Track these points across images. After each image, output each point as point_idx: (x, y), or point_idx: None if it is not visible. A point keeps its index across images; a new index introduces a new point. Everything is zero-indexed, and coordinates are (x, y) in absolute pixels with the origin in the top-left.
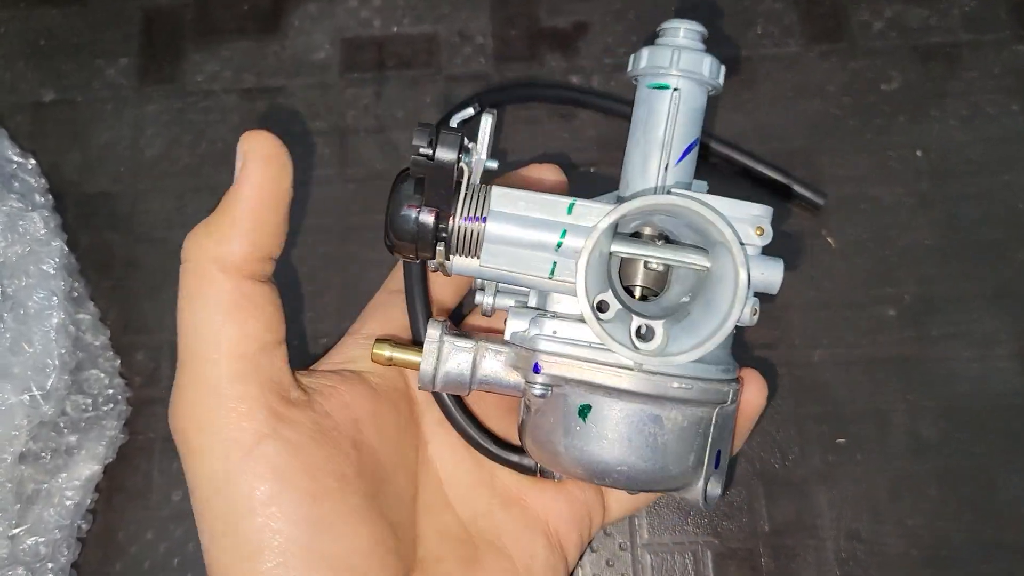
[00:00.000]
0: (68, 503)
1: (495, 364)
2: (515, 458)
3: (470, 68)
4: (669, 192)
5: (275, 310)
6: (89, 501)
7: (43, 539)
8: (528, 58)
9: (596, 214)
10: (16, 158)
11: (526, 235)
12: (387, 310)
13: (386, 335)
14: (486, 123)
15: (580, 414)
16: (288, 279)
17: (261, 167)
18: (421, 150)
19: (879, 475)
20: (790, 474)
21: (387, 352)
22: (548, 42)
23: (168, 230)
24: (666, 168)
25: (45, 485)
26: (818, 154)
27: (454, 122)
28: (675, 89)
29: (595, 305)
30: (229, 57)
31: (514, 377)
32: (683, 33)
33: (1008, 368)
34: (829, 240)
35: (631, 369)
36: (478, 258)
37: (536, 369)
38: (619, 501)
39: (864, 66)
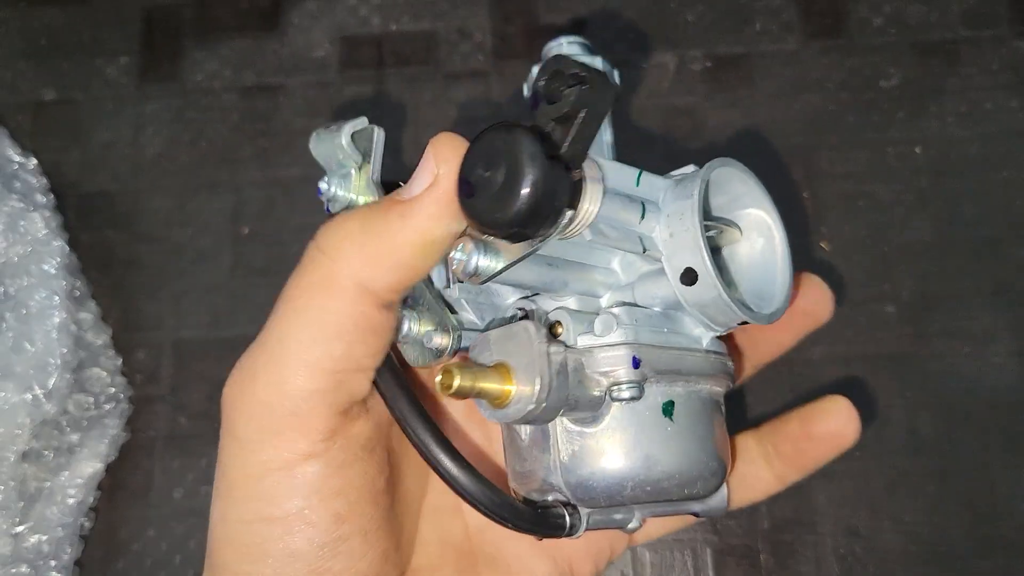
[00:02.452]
0: (70, 501)
1: (578, 375)
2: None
3: (469, 65)
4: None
5: (388, 338)
6: (91, 499)
7: (46, 537)
8: (527, 56)
9: (663, 185)
10: (17, 158)
11: (619, 206)
12: None
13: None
14: None
15: (665, 413)
16: (288, 277)
17: (446, 199)
18: (555, 89)
19: (877, 472)
20: None
21: (467, 382)
22: (546, 39)
23: (168, 228)
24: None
25: (48, 483)
26: (816, 150)
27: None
28: None
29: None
30: (229, 55)
31: (596, 390)
32: (565, 46)
33: (1006, 365)
34: (823, 246)
35: (701, 351)
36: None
37: (636, 364)
38: (652, 524)
39: (863, 62)
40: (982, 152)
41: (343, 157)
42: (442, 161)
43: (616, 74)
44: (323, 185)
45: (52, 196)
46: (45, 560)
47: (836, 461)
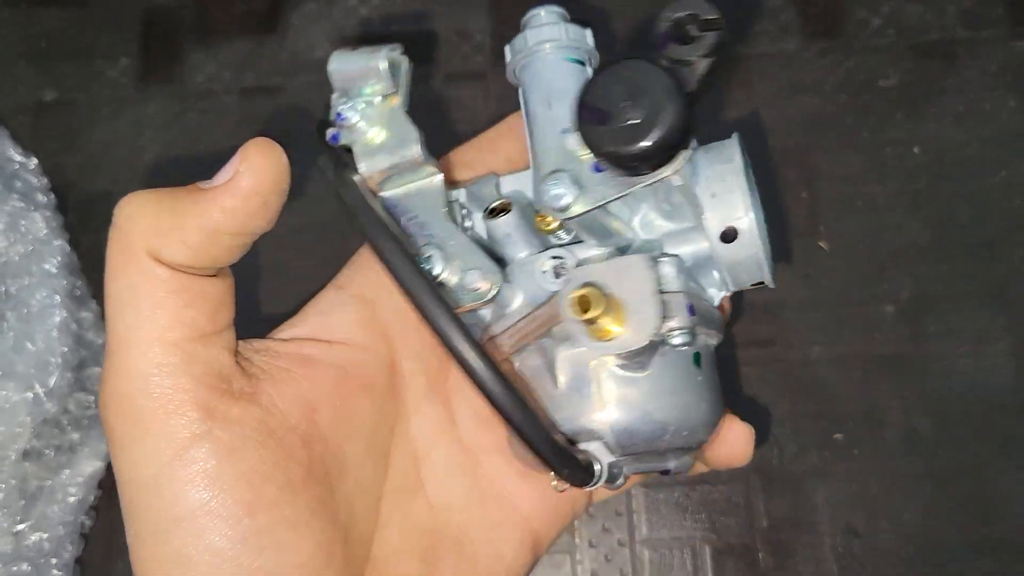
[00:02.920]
0: (71, 499)
1: None
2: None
3: (468, 66)
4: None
5: (220, 296)
6: (92, 498)
7: (47, 535)
8: None
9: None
10: (18, 158)
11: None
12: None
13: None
14: None
15: (696, 363)
16: (283, 279)
17: (248, 194)
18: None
19: (875, 472)
20: (787, 470)
21: (599, 311)
22: None
23: None
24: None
25: (48, 482)
26: (814, 152)
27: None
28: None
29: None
30: (228, 57)
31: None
32: (544, 15)
33: (1002, 366)
34: (822, 245)
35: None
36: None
37: (692, 312)
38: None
39: (861, 63)
40: (980, 153)
41: (373, 83)
42: (245, 161)
43: (588, 33)
44: (348, 112)
45: (53, 196)
46: (46, 558)
47: (833, 461)
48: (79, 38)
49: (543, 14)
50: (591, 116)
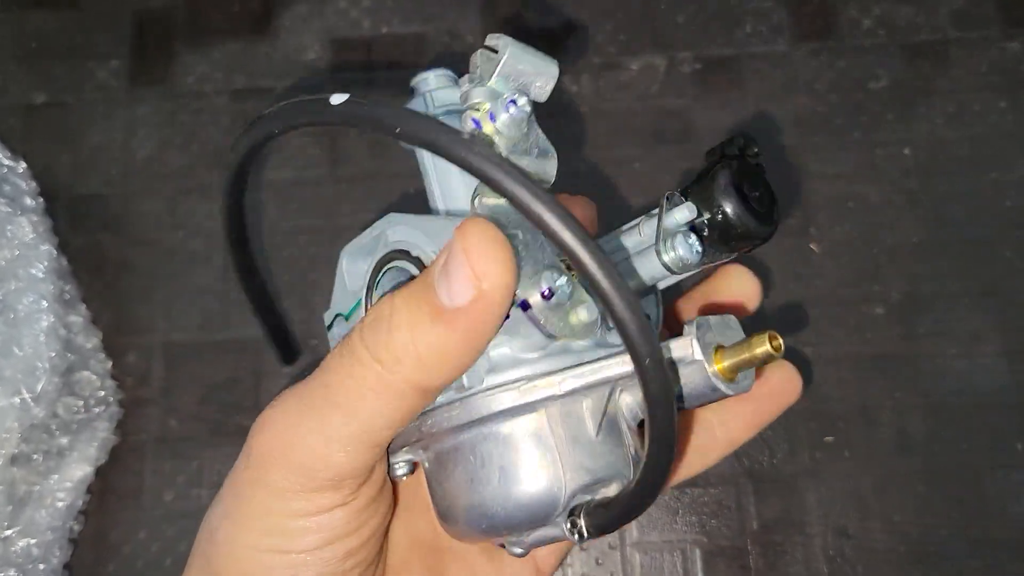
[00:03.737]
0: (60, 504)
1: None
2: None
3: (460, 68)
4: None
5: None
6: (81, 502)
7: (35, 540)
8: None
9: None
10: (6, 161)
11: None
12: None
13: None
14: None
15: None
16: (278, 280)
17: (497, 307)
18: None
19: (866, 472)
20: (778, 472)
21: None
22: (538, 42)
23: (159, 231)
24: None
25: (37, 487)
26: (805, 152)
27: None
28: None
29: None
30: (220, 58)
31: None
32: (432, 79)
33: (994, 365)
34: (812, 247)
35: None
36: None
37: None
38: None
39: (852, 64)
40: (971, 153)
41: (539, 86)
42: (483, 275)
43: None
44: (516, 105)
45: (41, 200)
46: (34, 564)
47: (825, 462)
48: (70, 40)
49: (432, 78)
50: (744, 204)
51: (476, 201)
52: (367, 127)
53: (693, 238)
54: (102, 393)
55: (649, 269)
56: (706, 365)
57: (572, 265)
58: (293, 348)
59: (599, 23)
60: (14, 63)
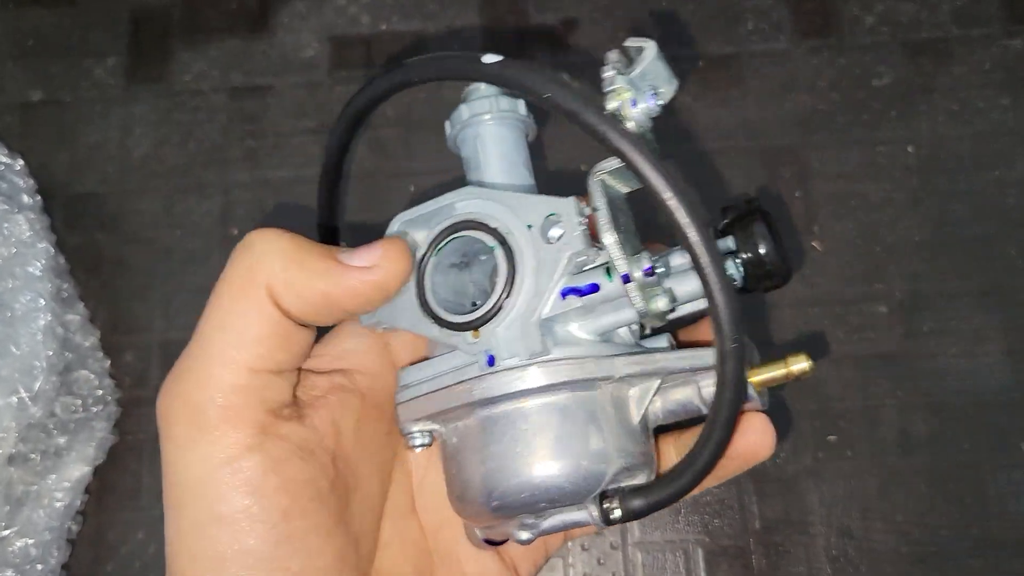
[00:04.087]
0: (58, 504)
1: None
2: None
3: None
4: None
5: (306, 343)
6: (79, 502)
7: (33, 541)
8: (517, 55)
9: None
10: (3, 159)
11: None
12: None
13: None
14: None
15: None
16: None
17: (374, 284)
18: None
19: (869, 472)
20: (781, 471)
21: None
22: (537, 39)
23: (157, 229)
24: None
25: (35, 487)
26: (807, 150)
27: None
28: (475, 136)
29: None
30: (217, 56)
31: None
32: (480, 88)
33: (997, 364)
34: (815, 245)
35: None
36: None
37: None
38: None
39: (854, 61)
40: (973, 151)
41: (667, 89)
42: (386, 257)
43: (521, 105)
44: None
45: (39, 198)
46: (32, 564)
47: (828, 461)
48: (67, 37)
49: (483, 87)
50: (775, 242)
51: (593, 178)
52: (517, 89)
53: (737, 263)
54: (100, 392)
55: (688, 287)
56: (748, 374)
57: (684, 245)
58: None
59: (599, 20)
60: (11, 61)
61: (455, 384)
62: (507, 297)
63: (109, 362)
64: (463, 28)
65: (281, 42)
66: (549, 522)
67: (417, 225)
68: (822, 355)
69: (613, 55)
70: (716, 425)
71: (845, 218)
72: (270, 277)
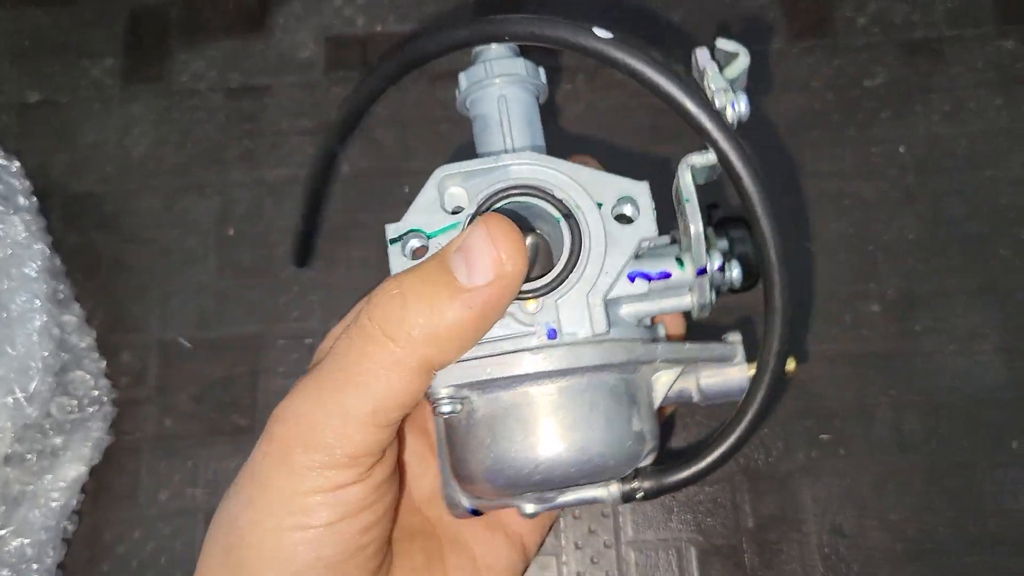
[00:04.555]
0: (54, 504)
1: None
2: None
3: (455, 66)
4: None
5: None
6: (75, 502)
7: (29, 540)
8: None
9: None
10: (0, 160)
11: None
12: None
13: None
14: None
15: None
16: (275, 278)
17: (513, 287)
18: None
19: (863, 470)
20: (774, 470)
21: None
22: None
23: (155, 230)
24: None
25: (31, 487)
26: (800, 150)
27: None
28: (500, 96)
29: None
30: (215, 56)
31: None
32: (494, 50)
33: (991, 362)
34: (807, 245)
35: None
36: None
37: None
38: None
39: (848, 62)
40: (967, 150)
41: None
42: (508, 257)
43: (542, 72)
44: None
45: (35, 199)
46: (28, 564)
47: (821, 459)
48: (64, 37)
49: (494, 48)
50: None
51: (683, 168)
52: (623, 71)
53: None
54: (96, 392)
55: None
56: (747, 369)
57: (765, 257)
58: (310, 254)
59: (597, 18)
60: (8, 61)
61: (508, 353)
62: (570, 272)
63: (105, 362)
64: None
65: (278, 42)
66: (564, 498)
67: (460, 181)
68: (817, 353)
69: (703, 54)
70: (748, 408)
71: (839, 217)
72: (416, 348)
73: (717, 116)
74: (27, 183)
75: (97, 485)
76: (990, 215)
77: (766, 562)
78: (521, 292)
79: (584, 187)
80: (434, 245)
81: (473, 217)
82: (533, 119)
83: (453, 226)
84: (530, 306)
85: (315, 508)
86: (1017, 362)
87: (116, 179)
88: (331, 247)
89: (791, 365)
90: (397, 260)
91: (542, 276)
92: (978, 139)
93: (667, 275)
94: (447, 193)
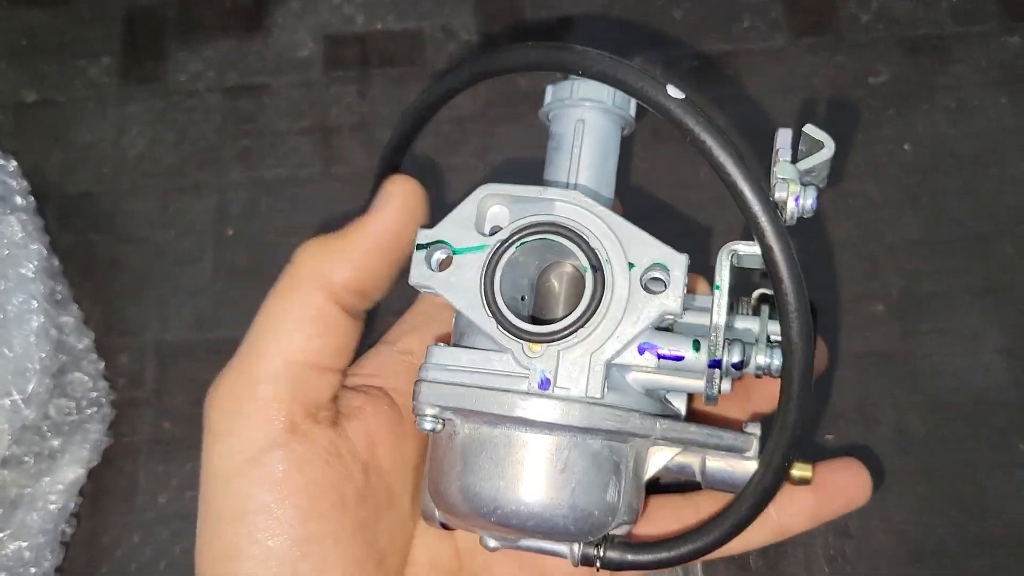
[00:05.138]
0: (52, 507)
1: None
2: None
3: (455, 64)
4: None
5: (348, 343)
6: (73, 505)
7: (26, 544)
8: None
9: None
10: None
11: None
12: (430, 326)
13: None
14: None
15: None
16: (272, 279)
17: (396, 211)
18: None
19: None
20: None
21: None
22: (533, 37)
23: (152, 230)
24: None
25: (28, 490)
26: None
27: None
28: (579, 119)
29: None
30: (212, 56)
31: None
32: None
33: (994, 363)
34: (810, 246)
35: None
36: None
37: None
38: None
39: (851, 59)
40: (972, 149)
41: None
42: (388, 193)
43: (632, 103)
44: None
45: (32, 199)
46: (26, 567)
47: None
48: (60, 37)
49: None
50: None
51: (724, 254)
52: (682, 132)
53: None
54: (94, 394)
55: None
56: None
57: (792, 360)
58: None
59: (595, 19)
60: (3, 61)
61: (498, 390)
62: (581, 327)
63: (103, 364)
64: (458, 27)
65: (276, 41)
66: (527, 542)
67: (502, 201)
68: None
69: (785, 136)
70: (732, 513)
71: (842, 216)
72: (315, 266)
73: (773, 212)
74: (24, 183)
75: (95, 488)
76: (994, 215)
77: (771, 564)
78: (527, 333)
79: (622, 243)
80: (458, 261)
81: (503, 243)
82: (609, 151)
83: (481, 247)
84: (535, 349)
85: (242, 487)
86: (1020, 363)
87: (112, 179)
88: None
89: (805, 472)
90: (419, 268)
91: (554, 321)
92: (982, 138)
93: (679, 358)
94: (488, 212)
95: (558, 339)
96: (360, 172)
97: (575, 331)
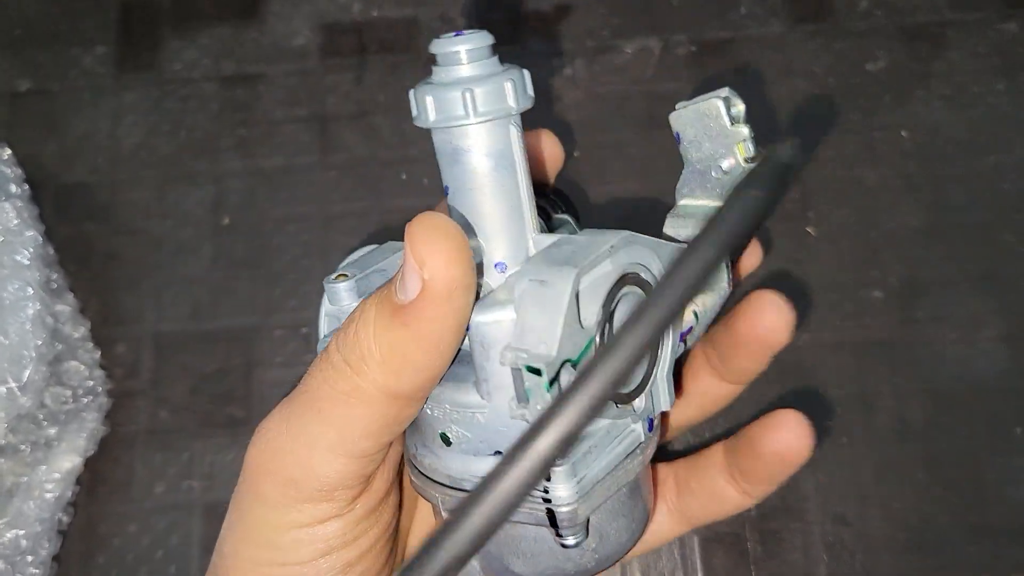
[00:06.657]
0: (48, 496)
1: None
2: None
3: None
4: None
5: (409, 420)
6: (70, 494)
7: (23, 532)
8: (511, 42)
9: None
10: None
11: None
12: None
13: None
14: None
15: None
16: (269, 268)
17: (444, 289)
18: None
19: (865, 459)
20: None
21: None
22: (531, 25)
23: (147, 220)
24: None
25: (25, 478)
26: (802, 135)
27: None
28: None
29: None
30: (208, 44)
31: None
32: (465, 55)
33: (994, 351)
34: (809, 230)
35: None
36: None
37: None
38: None
39: (849, 46)
40: (969, 136)
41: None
42: (423, 264)
43: (527, 79)
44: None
45: (26, 187)
46: (22, 556)
47: (823, 449)
48: (55, 26)
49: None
50: None
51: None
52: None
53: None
54: (91, 383)
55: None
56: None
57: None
58: None
59: (592, 6)
60: None
61: (628, 458)
62: (656, 365)
63: (99, 353)
64: (456, 15)
65: (272, 30)
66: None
67: (590, 282)
68: (818, 342)
69: (722, 105)
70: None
71: (840, 204)
72: (375, 378)
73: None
74: (19, 171)
75: (92, 477)
76: (993, 202)
77: (769, 551)
78: (634, 392)
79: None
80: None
81: (603, 322)
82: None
83: (589, 343)
84: (638, 402)
85: (291, 545)
86: (1019, 350)
87: (108, 169)
88: (327, 236)
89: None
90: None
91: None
92: (980, 124)
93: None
94: (582, 308)
95: (648, 384)
96: (357, 160)
97: (653, 372)
